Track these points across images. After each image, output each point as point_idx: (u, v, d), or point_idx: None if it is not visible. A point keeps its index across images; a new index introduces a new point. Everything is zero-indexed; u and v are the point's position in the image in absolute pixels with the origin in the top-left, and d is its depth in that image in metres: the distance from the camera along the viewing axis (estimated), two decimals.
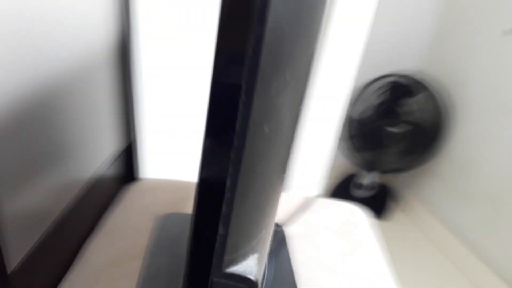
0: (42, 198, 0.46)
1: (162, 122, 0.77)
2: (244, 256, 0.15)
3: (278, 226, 0.64)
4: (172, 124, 0.78)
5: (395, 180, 1.96)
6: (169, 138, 0.79)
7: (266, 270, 0.37)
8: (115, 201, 0.67)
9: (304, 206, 0.71)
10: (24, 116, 0.40)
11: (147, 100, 0.75)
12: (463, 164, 1.50)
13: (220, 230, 0.14)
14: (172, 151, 0.78)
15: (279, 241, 0.60)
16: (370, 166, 1.74)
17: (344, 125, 1.69)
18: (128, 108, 0.72)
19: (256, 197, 0.15)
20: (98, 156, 0.63)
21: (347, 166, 1.92)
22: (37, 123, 0.43)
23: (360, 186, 1.82)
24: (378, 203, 1.81)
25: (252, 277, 0.16)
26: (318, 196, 0.76)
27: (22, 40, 0.38)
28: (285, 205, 0.69)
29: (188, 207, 0.68)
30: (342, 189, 1.88)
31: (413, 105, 1.61)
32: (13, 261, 0.41)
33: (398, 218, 1.78)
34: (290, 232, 0.64)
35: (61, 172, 0.50)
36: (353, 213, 0.72)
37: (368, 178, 1.79)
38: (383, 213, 1.77)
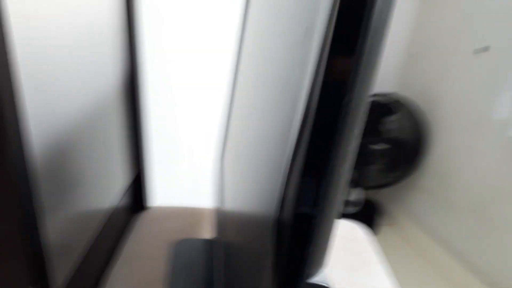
0: (67, 231, 0.48)
1: (169, 152, 0.80)
2: (320, 269, 0.19)
3: None
4: (178, 154, 0.81)
5: (380, 195, 2.03)
6: (175, 168, 0.82)
7: None
8: (129, 230, 0.69)
9: None
10: (48, 154, 0.43)
11: (154, 133, 0.78)
12: (444, 176, 1.57)
13: (307, 247, 0.18)
14: (179, 180, 0.81)
15: None
16: (355, 183, 1.79)
17: None
18: (137, 141, 0.75)
19: (333, 220, 0.19)
20: (112, 188, 0.65)
21: None
22: (59, 160, 0.45)
23: (346, 202, 1.87)
24: (365, 218, 1.86)
25: (328, 286, 0.19)
26: None
27: (48, 83, 0.42)
28: None
29: (198, 232, 0.71)
30: None
31: (393, 122, 1.68)
32: None
33: (385, 232, 1.84)
34: None
35: (82, 205, 0.52)
36: (353, 229, 0.77)
37: (354, 195, 1.85)
38: (371, 228, 1.82)
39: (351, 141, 0.16)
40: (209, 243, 0.66)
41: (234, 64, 0.61)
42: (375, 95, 1.67)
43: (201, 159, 0.88)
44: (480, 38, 1.41)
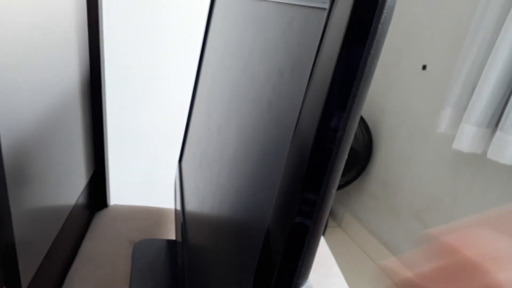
0: (29, 229, 0.48)
1: (128, 152, 0.80)
2: (306, 280, 0.22)
3: None
4: (136, 154, 0.81)
5: None
6: (134, 168, 0.82)
7: None
8: (90, 228, 0.68)
9: None
10: (10, 152, 0.43)
11: (114, 132, 0.78)
12: (387, 183, 1.67)
13: (300, 259, 0.21)
14: (140, 179, 0.81)
15: None
16: None
17: None
18: (98, 139, 0.74)
19: (321, 232, 0.22)
20: (73, 186, 0.65)
21: None
22: (20, 158, 0.45)
23: None
24: None
25: None
26: None
27: (8, 80, 0.42)
28: None
29: (159, 232, 0.72)
30: None
31: None
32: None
33: (332, 233, 1.92)
34: None
35: (42, 203, 0.52)
36: None
37: None
38: None
39: (344, 161, 0.19)
40: (171, 244, 0.67)
41: (197, 69, 0.62)
42: None
43: (159, 159, 0.89)
44: (420, 57, 1.51)
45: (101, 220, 0.71)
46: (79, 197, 0.66)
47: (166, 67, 0.85)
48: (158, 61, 0.84)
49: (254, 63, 0.34)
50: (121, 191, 0.81)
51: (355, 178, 1.78)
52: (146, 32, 0.81)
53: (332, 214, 2.06)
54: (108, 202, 0.76)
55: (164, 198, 0.90)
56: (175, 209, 0.63)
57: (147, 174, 0.88)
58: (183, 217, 0.55)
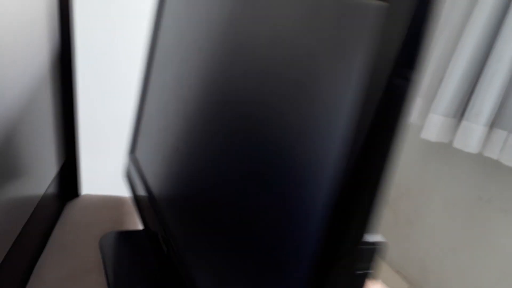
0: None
1: (102, 139, 0.79)
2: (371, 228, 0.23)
3: None
4: (111, 141, 0.81)
5: None
6: (107, 155, 0.82)
7: None
8: (61, 217, 0.68)
9: None
10: None
11: (87, 118, 0.77)
12: None
13: (368, 213, 0.22)
14: (111, 167, 0.81)
15: None
16: None
17: None
18: (68, 128, 0.74)
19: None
20: (43, 175, 0.64)
21: None
22: None
23: None
24: None
25: (382, 239, 0.24)
26: None
27: None
28: None
29: (131, 221, 0.72)
30: None
31: None
32: None
33: None
34: None
35: (13, 192, 0.52)
36: None
37: None
38: None
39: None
40: (138, 234, 0.67)
41: (147, 61, 0.62)
42: None
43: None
44: None
45: (72, 209, 0.71)
46: (49, 186, 0.66)
47: (140, 56, 0.84)
48: (131, 50, 0.84)
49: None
50: (93, 181, 0.80)
51: None
52: (120, 19, 0.81)
53: None
54: (79, 192, 0.76)
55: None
56: (135, 199, 0.61)
57: (119, 164, 0.87)
58: (155, 206, 0.55)
